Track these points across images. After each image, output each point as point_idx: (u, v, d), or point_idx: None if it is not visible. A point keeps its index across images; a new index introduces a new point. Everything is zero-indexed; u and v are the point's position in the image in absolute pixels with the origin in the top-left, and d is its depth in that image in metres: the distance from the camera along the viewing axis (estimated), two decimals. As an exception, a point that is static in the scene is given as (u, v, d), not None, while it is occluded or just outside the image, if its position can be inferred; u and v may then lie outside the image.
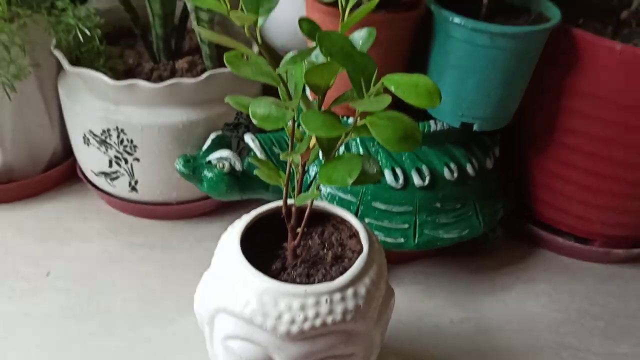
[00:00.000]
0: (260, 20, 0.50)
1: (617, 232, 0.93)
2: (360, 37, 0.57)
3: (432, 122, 0.83)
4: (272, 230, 0.67)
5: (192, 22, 0.90)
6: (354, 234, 0.69)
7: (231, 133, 0.91)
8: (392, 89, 0.48)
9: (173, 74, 0.92)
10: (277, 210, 0.69)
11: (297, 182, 0.61)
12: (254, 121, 0.52)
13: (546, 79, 0.83)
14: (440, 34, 0.77)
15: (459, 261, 0.94)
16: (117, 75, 0.90)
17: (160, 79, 0.91)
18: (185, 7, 0.93)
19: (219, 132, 0.87)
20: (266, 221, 0.69)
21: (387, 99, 0.48)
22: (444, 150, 0.85)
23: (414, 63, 0.83)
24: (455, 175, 0.84)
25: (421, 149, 0.84)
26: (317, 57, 0.58)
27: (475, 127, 0.81)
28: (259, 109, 0.53)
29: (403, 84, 0.48)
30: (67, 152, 1.02)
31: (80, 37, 0.83)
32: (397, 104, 0.50)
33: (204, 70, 0.94)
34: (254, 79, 0.54)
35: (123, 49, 0.97)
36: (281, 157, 0.58)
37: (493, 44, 0.73)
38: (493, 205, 0.90)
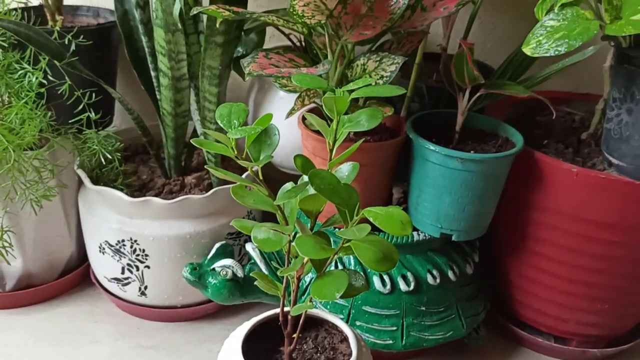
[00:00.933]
0: (261, 164, 0.60)
1: (591, 331, 1.00)
2: (346, 170, 0.67)
3: (415, 233, 0.92)
4: (271, 335, 0.74)
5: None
6: (345, 339, 0.76)
7: (233, 241, 1.01)
8: (371, 219, 0.57)
9: (182, 188, 1.03)
10: (274, 317, 0.77)
11: (293, 292, 0.69)
12: (256, 244, 0.62)
13: (515, 194, 0.93)
14: (419, 157, 0.87)
15: (445, 361, 1.01)
16: (132, 190, 1.01)
17: (171, 193, 1.02)
18: (195, 130, 1.04)
19: (223, 242, 0.96)
20: (265, 327, 0.77)
21: (367, 228, 0.57)
22: (426, 257, 0.93)
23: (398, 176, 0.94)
24: (438, 280, 0.92)
25: (406, 257, 0.93)
26: (309, 188, 0.68)
27: (453, 238, 0.90)
28: (260, 234, 0.62)
29: (380, 216, 0.57)
30: (81, 258, 1.11)
31: (103, 160, 0.93)
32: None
33: (210, 185, 1.04)
34: (255, 207, 0.64)
35: (138, 165, 1.08)
36: (279, 274, 0.66)
37: (464, 168, 0.83)
38: (475, 307, 0.98)
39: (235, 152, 0.60)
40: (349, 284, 0.64)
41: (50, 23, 1.02)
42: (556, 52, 0.73)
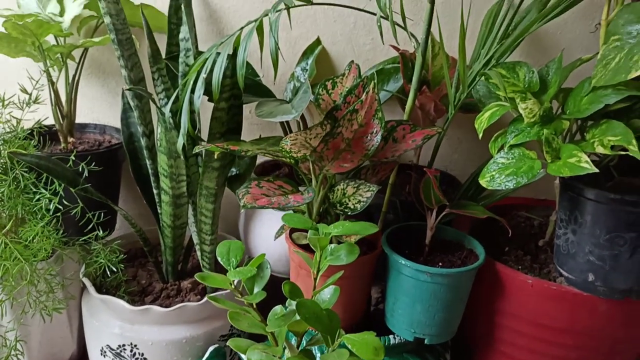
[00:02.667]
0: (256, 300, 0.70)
1: None
2: (328, 294, 0.78)
3: (392, 336, 1.02)
4: None
5: (197, 252, 1.11)
6: None
7: (225, 342, 1.09)
8: (349, 345, 0.67)
9: (179, 292, 1.12)
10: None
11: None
12: (250, 364, 0.71)
13: (480, 299, 1.03)
14: (393, 269, 0.98)
15: None
16: (132, 296, 1.10)
17: (168, 297, 1.11)
18: (191, 239, 1.15)
19: (216, 345, 1.05)
20: None
21: (345, 354, 0.67)
22: (402, 359, 1.03)
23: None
24: (413, 381, 1.01)
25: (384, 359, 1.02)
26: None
27: (426, 341, 0.99)
28: (254, 356, 0.72)
29: (357, 343, 0.67)
30: (81, 354, 1.18)
31: (108, 273, 1.03)
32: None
33: (204, 289, 1.14)
34: (249, 331, 0.74)
35: (137, 269, 1.18)
36: (269, 388, 0.75)
37: (433, 280, 0.94)
38: (447, 404, 1.06)
39: (233, 286, 0.70)
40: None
41: (62, 144, 1.13)
42: (506, 187, 0.85)
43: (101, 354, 1.08)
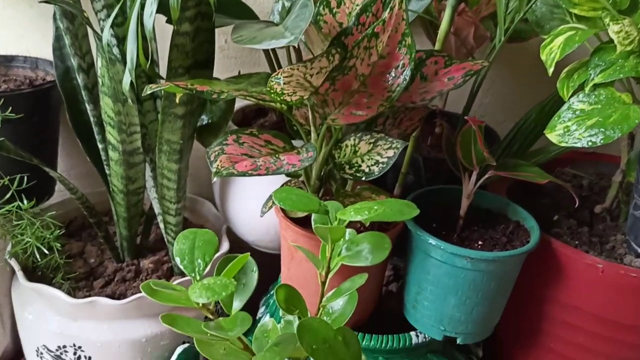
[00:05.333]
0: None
1: None
2: (342, 304, 0.54)
3: (413, 334, 0.79)
4: None
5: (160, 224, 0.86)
6: None
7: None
8: (381, 396, 0.44)
9: (138, 274, 0.87)
10: None
11: None
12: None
13: (527, 285, 0.80)
14: (419, 250, 0.74)
15: None
16: (76, 279, 0.85)
17: (124, 281, 0.86)
18: (151, 207, 0.89)
19: (186, 345, 0.81)
20: None
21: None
22: (425, 361, 0.80)
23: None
24: (440, 389, 0.79)
25: (402, 362, 0.79)
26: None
27: (459, 341, 0.77)
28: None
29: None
30: (17, 352, 0.94)
31: (38, 256, 0.77)
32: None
33: (171, 270, 0.89)
34: (226, 362, 0.50)
35: (85, 244, 0.92)
36: None
37: (474, 267, 0.70)
38: (479, 412, 0.85)
39: (201, 305, 0.45)
40: None
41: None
42: (590, 144, 0.61)
43: (37, 355, 0.84)
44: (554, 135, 0.64)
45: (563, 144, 0.63)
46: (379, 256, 0.49)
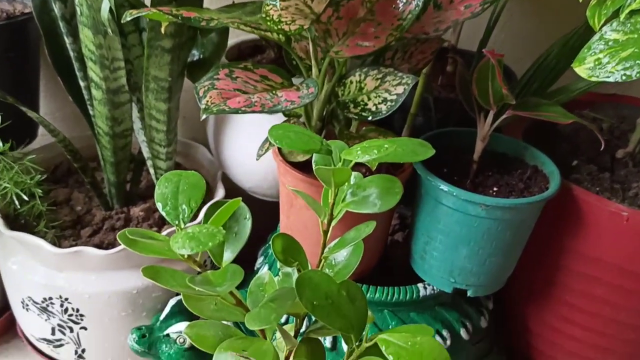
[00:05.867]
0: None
1: (622, 386, 0.85)
2: (346, 255, 0.48)
3: (420, 286, 0.74)
4: None
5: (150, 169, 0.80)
6: None
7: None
8: (391, 358, 0.39)
9: (128, 223, 0.82)
10: None
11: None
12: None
13: (543, 235, 0.75)
14: (429, 197, 0.68)
15: None
16: (62, 228, 0.80)
17: (113, 229, 0.81)
18: (140, 152, 0.83)
19: (180, 297, 0.76)
20: None
21: (385, 374, 0.38)
22: (434, 315, 0.75)
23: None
24: (449, 342, 0.74)
25: (410, 315, 0.75)
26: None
27: (469, 294, 0.72)
28: None
29: (404, 354, 0.38)
30: (5, 303, 0.90)
31: (17, 203, 0.72)
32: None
33: (163, 218, 0.84)
34: (217, 319, 0.45)
35: (72, 191, 0.87)
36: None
37: (488, 215, 0.65)
38: (488, 366, 0.81)
39: (186, 256, 0.39)
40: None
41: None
42: (625, 78, 0.54)
43: (23, 307, 0.79)
44: (582, 68, 0.57)
45: (593, 79, 0.56)
46: (389, 202, 0.43)
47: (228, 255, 0.42)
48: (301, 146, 0.42)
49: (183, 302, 0.44)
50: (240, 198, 0.40)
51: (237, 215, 0.43)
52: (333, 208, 0.44)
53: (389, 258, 0.83)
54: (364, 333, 0.42)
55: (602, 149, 0.71)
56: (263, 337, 0.46)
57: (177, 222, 0.39)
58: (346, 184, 0.46)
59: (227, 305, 0.44)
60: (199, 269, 0.40)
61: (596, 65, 0.56)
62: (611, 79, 0.55)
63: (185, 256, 0.39)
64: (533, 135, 0.82)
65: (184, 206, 0.40)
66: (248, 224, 0.43)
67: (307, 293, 0.40)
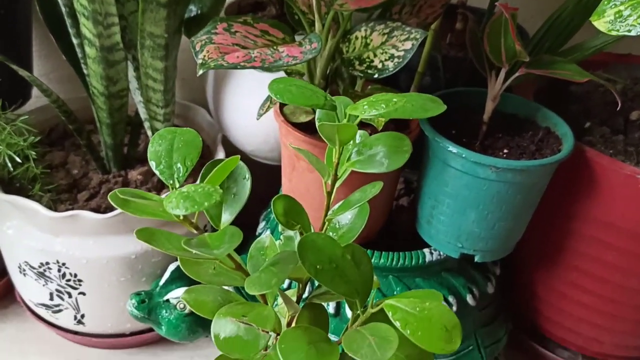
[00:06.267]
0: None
1: (629, 353, 0.83)
2: (350, 217, 0.46)
3: (427, 251, 0.72)
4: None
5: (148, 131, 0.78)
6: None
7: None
8: (399, 325, 0.37)
9: (125, 186, 0.80)
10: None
11: None
12: (216, 346, 0.41)
13: (553, 199, 0.72)
14: (436, 159, 0.66)
15: (456, 392, 0.83)
16: (58, 192, 0.77)
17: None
18: (137, 112, 0.80)
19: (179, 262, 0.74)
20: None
21: (393, 342, 0.36)
22: (440, 281, 0.74)
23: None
24: (455, 308, 0.73)
25: (415, 281, 0.73)
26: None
27: (476, 259, 0.70)
28: (224, 329, 0.41)
29: (412, 321, 0.36)
30: (2, 269, 0.88)
31: (10, 165, 0.69)
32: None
33: (162, 182, 0.82)
34: (216, 284, 0.43)
35: (67, 154, 0.84)
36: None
37: (498, 178, 0.62)
38: (496, 332, 0.79)
39: (182, 217, 0.37)
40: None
41: None
42: (648, 31, 0.51)
43: (20, 272, 0.78)
44: (601, 22, 0.53)
45: (613, 32, 0.52)
46: (397, 161, 0.40)
47: (226, 217, 0.39)
48: (303, 101, 0.40)
49: (181, 266, 0.42)
50: (238, 156, 0.37)
51: (236, 175, 0.41)
52: (337, 168, 0.42)
53: (394, 223, 0.81)
54: (369, 299, 0.40)
55: (618, 109, 0.68)
56: (264, 302, 0.44)
57: (171, 182, 0.37)
58: (351, 143, 0.44)
59: (227, 270, 0.42)
60: (195, 231, 0.38)
61: (616, 19, 0.53)
62: (632, 33, 0.51)
63: (181, 217, 0.37)
64: (543, 98, 0.79)
65: (178, 165, 0.38)
66: (247, 184, 0.40)
67: (309, 257, 0.38)
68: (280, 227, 0.46)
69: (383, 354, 0.36)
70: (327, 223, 0.44)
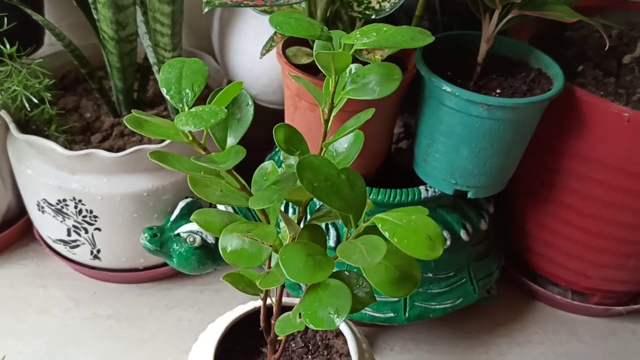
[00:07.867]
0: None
1: (617, 287, 0.88)
2: (346, 144, 0.50)
3: (422, 188, 0.76)
4: (251, 332, 0.61)
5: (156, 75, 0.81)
6: (340, 332, 0.63)
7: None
8: (387, 235, 0.41)
9: (136, 129, 0.83)
10: (255, 311, 0.63)
11: (276, 303, 0.54)
12: (224, 257, 0.45)
13: (544, 137, 0.76)
14: (432, 99, 0.69)
15: (451, 324, 0.88)
16: (72, 134, 0.81)
17: (122, 135, 0.83)
18: (146, 57, 0.83)
19: (188, 200, 0.79)
20: (244, 321, 0.63)
21: (381, 249, 0.40)
22: (435, 216, 0.78)
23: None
24: (448, 242, 0.77)
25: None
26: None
27: (469, 195, 0.74)
28: (230, 243, 0.45)
29: (399, 231, 0.40)
30: (22, 209, 0.93)
31: (27, 105, 0.73)
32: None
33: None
34: (222, 204, 0.47)
35: (80, 98, 0.88)
36: (259, 285, 0.50)
37: (490, 115, 0.65)
38: (488, 267, 0.84)
39: (191, 138, 0.41)
40: (353, 296, 0.48)
41: None
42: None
43: (39, 210, 0.82)
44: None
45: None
46: (388, 88, 0.44)
47: (231, 140, 0.43)
48: (301, 32, 0.43)
49: (198, 201, 0.46)
50: (242, 81, 0.41)
51: (239, 102, 0.44)
52: (334, 96, 0.45)
53: (392, 164, 0.85)
54: (362, 217, 0.44)
55: (606, 49, 0.70)
56: (267, 223, 0.48)
57: (180, 105, 0.41)
58: (347, 74, 0.47)
59: (232, 190, 0.46)
60: (203, 152, 0.42)
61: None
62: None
63: (190, 138, 0.41)
64: (539, 43, 0.82)
65: (187, 90, 0.41)
66: (250, 109, 0.44)
67: (307, 175, 0.42)
68: (282, 155, 0.50)
69: (372, 259, 0.40)
70: (324, 148, 0.48)
